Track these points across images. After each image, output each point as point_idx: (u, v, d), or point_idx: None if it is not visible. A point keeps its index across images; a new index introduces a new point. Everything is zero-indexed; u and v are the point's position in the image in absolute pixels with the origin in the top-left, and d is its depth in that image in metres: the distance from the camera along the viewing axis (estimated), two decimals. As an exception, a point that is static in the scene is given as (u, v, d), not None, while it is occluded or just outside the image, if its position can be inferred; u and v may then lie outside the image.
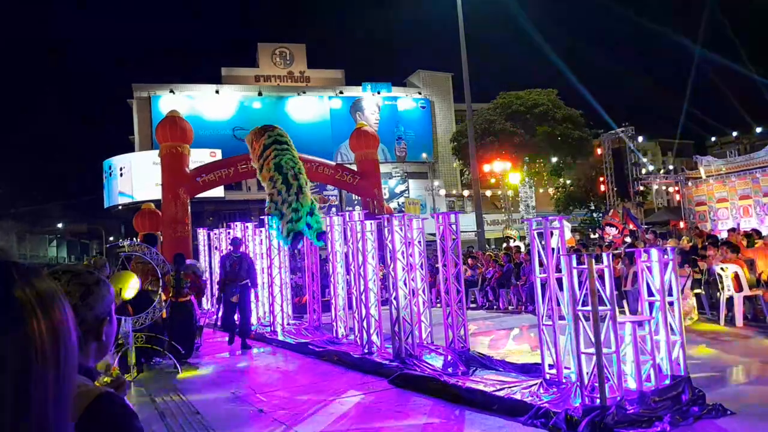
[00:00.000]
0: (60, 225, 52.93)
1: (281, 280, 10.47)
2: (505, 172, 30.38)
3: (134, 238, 15.59)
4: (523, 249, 14.94)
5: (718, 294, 9.14)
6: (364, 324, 7.56)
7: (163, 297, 7.99)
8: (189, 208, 15.06)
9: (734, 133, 49.49)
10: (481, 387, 5.32)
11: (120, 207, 35.86)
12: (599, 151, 29.98)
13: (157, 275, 7.77)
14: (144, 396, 6.54)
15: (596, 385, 4.47)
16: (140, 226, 15.71)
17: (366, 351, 7.40)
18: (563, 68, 37.07)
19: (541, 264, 5.37)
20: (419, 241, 7.19)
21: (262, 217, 11.06)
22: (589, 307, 4.58)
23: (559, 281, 5.07)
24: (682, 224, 22.49)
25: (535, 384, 5.16)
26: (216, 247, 13.75)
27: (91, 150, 76.67)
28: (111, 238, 46.24)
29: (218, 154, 30.79)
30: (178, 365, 7.66)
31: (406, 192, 39.18)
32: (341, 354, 7.62)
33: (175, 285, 8.23)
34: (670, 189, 32.54)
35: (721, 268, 8.86)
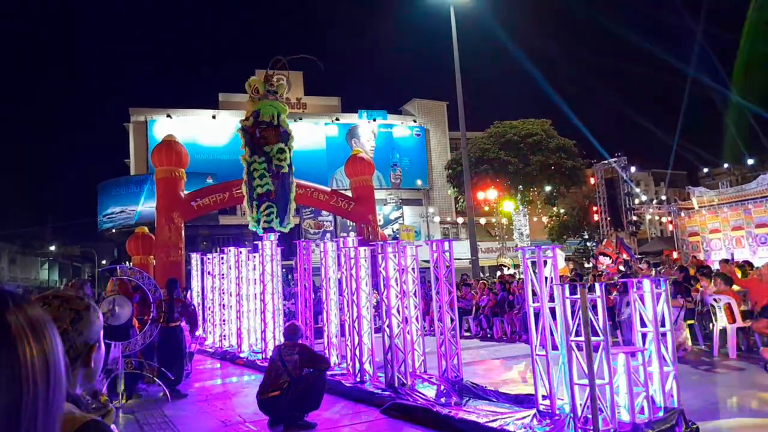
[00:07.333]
0: (52, 247, 52.63)
1: (273, 306, 10.39)
2: (499, 200, 30.54)
3: (127, 262, 15.51)
4: (517, 277, 14.92)
5: (711, 325, 9.13)
6: (357, 352, 7.49)
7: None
8: (183, 232, 15.01)
9: (726, 165, 50.00)
10: (473, 418, 5.27)
11: (113, 230, 35.75)
12: (592, 180, 30.20)
13: (148, 302, 7.70)
14: (132, 423, 6.42)
15: (589, 416, 4.43)
16: (133, 249, 15.63)
17: (358, 379, 7.32)
18: (557, 98, 37.55)
19: (534, 293, 5.36)
20: (413, 268, 7.17)
21: (255, 242, 11.03)
22: (582, 338, 4.57)
23: (553, 311, 5.05)
24: (675, 254, 22.55)
25: (528, 415, 5.11)
26: (209, 272, 13.63)
27: (87, 173, 76.73)
28: (104, 262, 45.95)
29: (214, 179, 30.87)
30: (167, 392, 7.55)
31: (401, 218, 39.22)
32: (332, 382, 7.53)
33: (166, 310, 8.15)
34: (663, 219, 32.73)
35: (714, 300, 8.87)
